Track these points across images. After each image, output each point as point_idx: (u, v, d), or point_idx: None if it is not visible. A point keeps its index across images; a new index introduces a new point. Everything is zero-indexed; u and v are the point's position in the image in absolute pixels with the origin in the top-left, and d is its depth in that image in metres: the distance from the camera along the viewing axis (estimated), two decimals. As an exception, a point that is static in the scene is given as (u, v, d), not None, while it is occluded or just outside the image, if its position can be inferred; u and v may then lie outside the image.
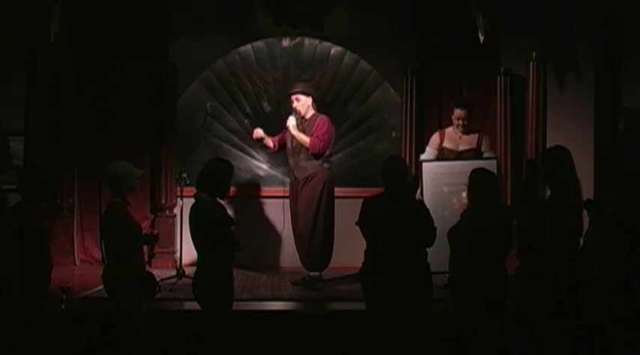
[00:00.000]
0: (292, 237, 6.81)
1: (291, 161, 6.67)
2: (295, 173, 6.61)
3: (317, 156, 6.50)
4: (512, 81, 7.54)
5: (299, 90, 6.65)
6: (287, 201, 6.93)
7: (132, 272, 4.80)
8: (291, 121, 6.55)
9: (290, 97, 6.65)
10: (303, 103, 6.60)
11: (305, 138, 6.49)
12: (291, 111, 6.65)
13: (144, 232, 5.56)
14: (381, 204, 4.85)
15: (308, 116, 6.62)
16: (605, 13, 7.29)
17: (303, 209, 6.49)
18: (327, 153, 6.60)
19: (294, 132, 6.52)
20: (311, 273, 6.52)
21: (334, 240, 6.61)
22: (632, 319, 4.42)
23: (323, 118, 6.61)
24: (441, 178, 6.00)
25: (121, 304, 4.78)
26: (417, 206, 4.98)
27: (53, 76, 7.55)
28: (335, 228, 6.67)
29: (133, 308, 4.80)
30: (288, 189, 6.92)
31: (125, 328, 4.79)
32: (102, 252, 7.58)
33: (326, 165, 6.59)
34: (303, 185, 6.51)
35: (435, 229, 4.85)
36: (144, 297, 4.91)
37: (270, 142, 6.82)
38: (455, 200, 5.52)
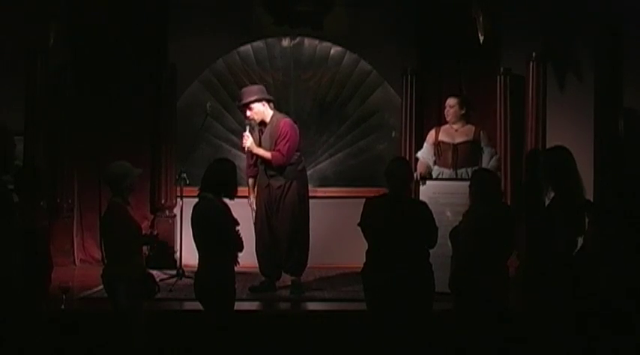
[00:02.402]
0: (255, 239, 6.35)
1: (261, 167, 6.42)
2: (269, 180, 6.34)
3: (282, 167, 6.27)
4: (512, 81, 7.54)
5: (249, 100, 6.28)
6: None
7: (132, 273, 4.79)
8: (248, 142, 6.26)
9: (243, 108, 6.38)
10: (257, 111, 6.28)
11: (266, 155, 6.22)
12: (245, 120, 6.38)
13: (143, 232, 5.55)
14: (385, 204, 4.82)
15: (268, 119, 6.31)
16: (605, 13, 7.29)
17: (285, 220, 6.25)
18: (296, 157, 6.33)
19: (255, 150, 6.27)
20: (292, 278, 6.37)
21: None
22: (633, 319, 4.42)
23: (285, 123, 6.29)
24: (438, 197, 5.97)
25: (121, 304, 4.77)
26: (419, 207, 4.94)
27: (53, 76, 7.54)
28: (333, 228, 6.65)
29: (132, 309, 4.79)
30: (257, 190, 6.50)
31: (125, 328, 4.78)
32: (102, 252, 7.60)
33: (299, 167, 6.38)
34: (280, 195, 6.27)
35: (437, 229, 4.84)
36: (144, 297, 4.91)
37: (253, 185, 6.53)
38: (453, 219, 5.44)
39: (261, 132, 6.37)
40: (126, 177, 4.89)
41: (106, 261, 5.03)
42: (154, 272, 5.35)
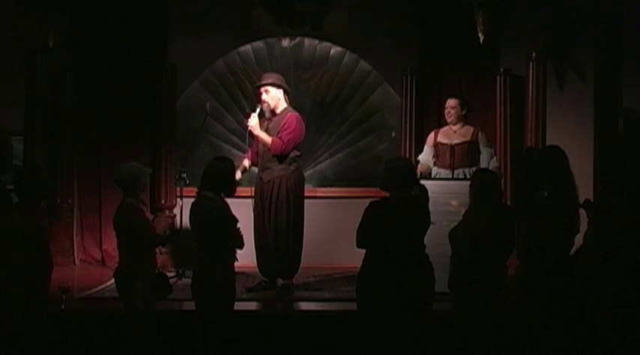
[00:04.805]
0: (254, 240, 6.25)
1: (259, 161, 6.39)
2: (261, 174, 6.31)
3: (280, 157, 6.20)
4: (512, 81, 7.56)
5: (269, 81, 6.26)
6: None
7: (147, 273, 4.80)
8: (252, 121, 6.19)
9: (259, 89, 6.34)
10: (272, 96, 6.24)
11: (266, 139, 6.15)
12: (258, 103, 6.32)
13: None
14: (390, 206, 4.72)
15: (278, 110, 6.28)
16: (604, 12, 7.30)
17: (272, 220, 6.17)
18: (294, 154, 6.24)
19: (256, 132, 6.19)
20: (283, 281, 6.29)
21: (303, 245, 6.30)
22: (632, 319, 4.42)
23: (292, 116, 6.24)
24: (438, 197, 5.95)
25: (136, 305, 4.77)
26: (421, 202, 4.88)
27: (53, 76, 7.55)
28: (333, 228, 6.60)
29: (146, 309, 4.80)
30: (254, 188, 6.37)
31: (137, 328, 4.78)
32: (101, 251, 7.61)
33: (292, 166, 6.24)
34: (270, 190, 6.19)
35: (430, 216, 4.81)
36: (157, 298, 4.91)
37: (242, 167, 6.36)
38: (453, 219, 5.42)
39: (270, 121, 6.32)
40: (138, 177, 4.92)
41: (121, 262, 5.00)
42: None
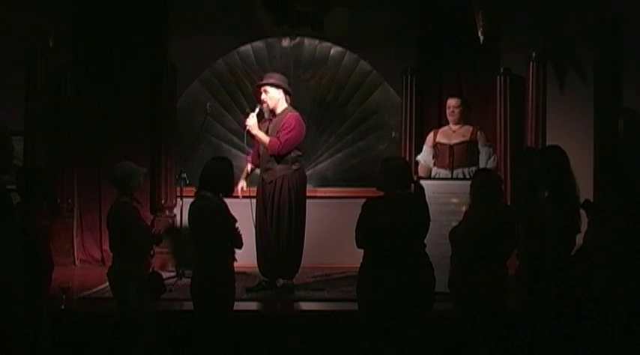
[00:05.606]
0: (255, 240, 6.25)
1: (261, 161, 6.38)
2: (263, 175, 6.31)
3: (277, 157, 6.19)
4: (512, 81, 7.56)
5: (268, 82, 6.25)
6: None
7: (142, 273, 4.80)
8: (251, 120, 6.20)
9: (259, 89, 6.32)
10: (271, 96, 6.21)
11: (264, 139, 6.16)
12: (258, 103, 6.32)
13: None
14: (386, 204, 4.73)
15: (279, 111, 6.26)
16: (604, 13, 7.29)
17: (274, 220, 6.17)
18: (295, 154, 6.23)
19: (254, 131, 6.20)
20: (283, 281, 6.29)
21: (304, 246, 6.30)
22: (632, 319, 4.42)
23: (292, 115, 6.23)
24: (437, 197, 5.95)
25: (130, 304, 4.76)
26: (417, 202, 4.88)
27: (53, 76, 7.56)
28: (333, 228, 6.59)
29: (141, 309, 4.79)
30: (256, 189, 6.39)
31: (132, 328, 4.78)
32: (101, 251, 7.60)
33: (295, 166, 6.23)
34: (272, 190, 6.19)
35: (429, 220, 4.80)
36: (152, 297, 4.91)
37: (245, 173, 6.45)
38: (452, 219, 5.40)
39: (270, 121, 6.31)
40: (132, 176, 4.93)
41: (116, 261, 4.99)
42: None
